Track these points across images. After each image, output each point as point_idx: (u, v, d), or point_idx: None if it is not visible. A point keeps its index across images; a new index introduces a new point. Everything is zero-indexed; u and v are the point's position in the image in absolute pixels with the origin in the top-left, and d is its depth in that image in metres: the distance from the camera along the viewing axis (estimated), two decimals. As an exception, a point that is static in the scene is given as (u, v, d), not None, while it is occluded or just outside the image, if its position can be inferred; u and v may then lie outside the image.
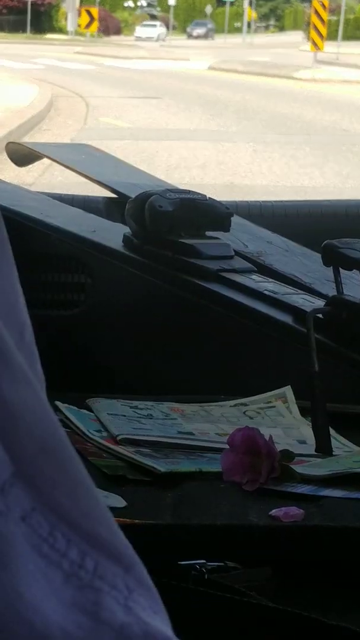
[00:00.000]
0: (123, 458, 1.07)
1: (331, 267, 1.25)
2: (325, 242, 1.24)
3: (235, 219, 1.49)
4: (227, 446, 1.05)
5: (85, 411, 1.19)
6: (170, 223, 1.42)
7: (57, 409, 1.14)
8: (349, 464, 1.08)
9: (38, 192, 1.71)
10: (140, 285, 1.42)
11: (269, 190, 7.34)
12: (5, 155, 1.93)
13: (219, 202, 1.49)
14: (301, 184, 7.80)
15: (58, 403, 1.15)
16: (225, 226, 1.46)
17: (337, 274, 1.25)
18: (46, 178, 6.80)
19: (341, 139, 10.81)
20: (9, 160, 1.88)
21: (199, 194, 1.48)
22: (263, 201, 1.87)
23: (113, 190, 1.65)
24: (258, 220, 1.64)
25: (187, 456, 1.10)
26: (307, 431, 1.17)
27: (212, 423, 1.20)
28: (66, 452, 0.44)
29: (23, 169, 2.05)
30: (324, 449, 1.13)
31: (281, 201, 1.92)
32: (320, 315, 1.24)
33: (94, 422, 1.16)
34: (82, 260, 1.45)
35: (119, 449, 1.09)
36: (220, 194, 1.81)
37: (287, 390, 1.26)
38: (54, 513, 0.42)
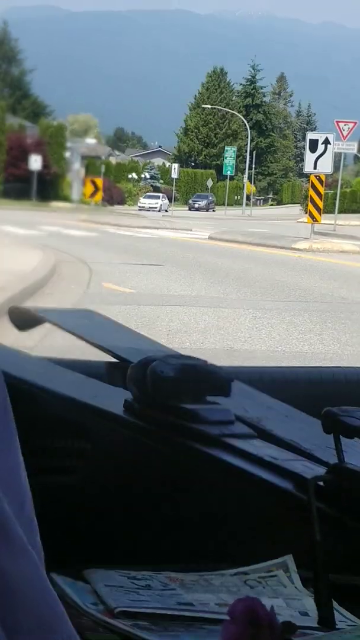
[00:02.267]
0: (120, 632, 1.04)
1: (332, 434, 1.25)
2: (326, 409, 1.24)
3: (236, 384, 1.49)
4: (227, 617, 1.02)
5: (81, 583, 1.16)
6: (171, 388, 1.42)
7: (52, 582, 1.11)
8: (352, 639, 1.05)
9: (39, 356, 1.70)
10: (141, 450, 1.41)
11: (268, 355, 7.40)
12: (6, 319, 1.93)
13: (220, 368, 1.49)
14: (300, 350, 7.87)
15: (54, 575, 1.12)
16: (225, 391, 1.46)
17: (337, 441, 1.24)
18: (47, 342, 6.84)
19: (339, 306, 10.98)
20: (10, 324, 1.87)
21: (199, 359, 1.49)
22: (263, 367, 1.88)
23: (114, 355, 1.65)
24: (258, 385, 1.64)
25: (187, 628, 1.06)
26: (309, 602, 1.14)
27: (212, 593, 1.17)
28: (64, 629, 0.42)
29: (24, 333, 2.05)
30: (326, 622, 1.10)
31: (281, 367, 1.93)
32: (321, 483, 1.23)
33: (90, 595, 1.13)
34: (82, 426, 1.44)
35: (116, 622, 1.05)
36: (220, 359, 1.81)
37: (289, 559, 1.23)
38: None
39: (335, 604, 1.12)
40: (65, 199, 58.89)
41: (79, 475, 1.43)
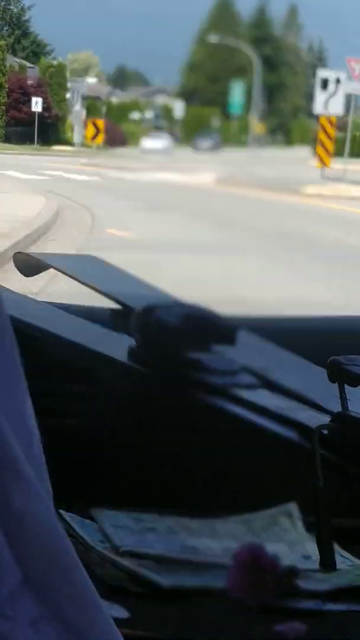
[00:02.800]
0: (126, 570, 1.06)
1: (336, 383, 1.25)
2: (331, 358, 1.25)
3: (241, 333, 1.49)
4: (231, 562, 1.04)
5: (89, 521, 1.18)
6: (175, 336, 1.42)
7: (61, 518, 1.12)
8: (351, 578, 1.08)
9: (44, 301, 1.71)
10: (144, 396, 1.42)
11: (274, 304, 7.40)
12: (11, 265, 1.94)
13: (224, 317, 1.49)
14: (308, 299, 7.87)
15: (62, 512, 1.15)
16: (230, 340, 1.46)
17: (342, 390, 1.25)
18: (52, 288, 6.85)
19: (348, 254, 10.93)
20: (15, 270, 1.89)
21: (204, 308, 1.49)
22: (269, 315, 1.87)
23: (118, 302, 1.65)
24: (264, 334, 1.64)
25: (191, 571, 1.08)
26: (311, 547, 1.16)
27: (216, 539, 1.18)
28: (72, 563, 0.44)
29: (28, 279, 2.06)
30: (327, 564, 1.12)
31: (287, 316, 1.93)
32: (325, 432, 1.24)
33: (98, 533, 1.15)
34: (86, 370, 1.45)
35: (122, 560, 1.07)
36: (225, 307, 1.80)
37: (292, 506, 1.25)
38: (60, 621, 0.42)
39: (336, 546, 1.14)
40: (67, 141, 58.75)
41: (83, 419, 1.44)
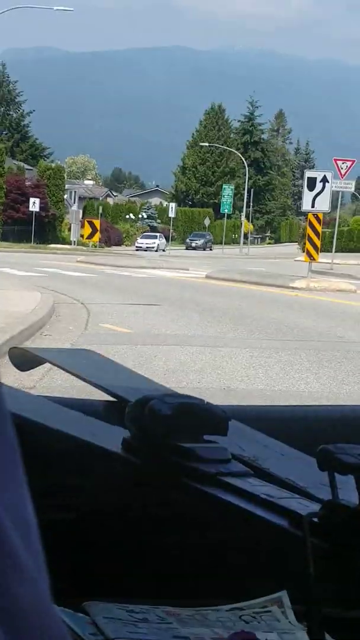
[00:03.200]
0: None
1: (326, 471, 1.27)
2: (321, 447, 1.27)
3: (233, 424, 1.51)
4: None
5: (81, 615, 1.18)
6: (168, 427, 1.44)
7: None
8: None
9: (38, 395, 1.75)
10: (139, 487, 1.44)
11: (265, 394, 7.43)
12: (6, 360, 1.97)
13: (217, 407, 1.52)
14: (297, 389, 7.90)
15: (54, 606, 1.15)
16: (222, 430, 1.48)
17: (332, 478, 1.27)
18: (46, 382, 6.89)
19: (335, 345, 11.01)
20: (11, 364, 1.93)
21: (197, 398, 1.52)
22: (260, 406, 1.90)
23: (112, 394, 1.66)
24: (255, 424, 1.67)
25: None
26: (302, 635, 1.17)
27: (207, 627, 1.19)
28: None
29: (24, 373, 2.08)
30: None
31: (277, 406, 1.96)
32: (315, 519, 1.25)
33: (90, 626, 1.16)
34: (81, 463, 1.46)
35: None
36: (217, 398, 1.83)
37: (283, 595, 1.26)
38: None
39: (327, 636, 1.15)
40: (64, 240, 59.16)
41: (78, 511, 1.45)
